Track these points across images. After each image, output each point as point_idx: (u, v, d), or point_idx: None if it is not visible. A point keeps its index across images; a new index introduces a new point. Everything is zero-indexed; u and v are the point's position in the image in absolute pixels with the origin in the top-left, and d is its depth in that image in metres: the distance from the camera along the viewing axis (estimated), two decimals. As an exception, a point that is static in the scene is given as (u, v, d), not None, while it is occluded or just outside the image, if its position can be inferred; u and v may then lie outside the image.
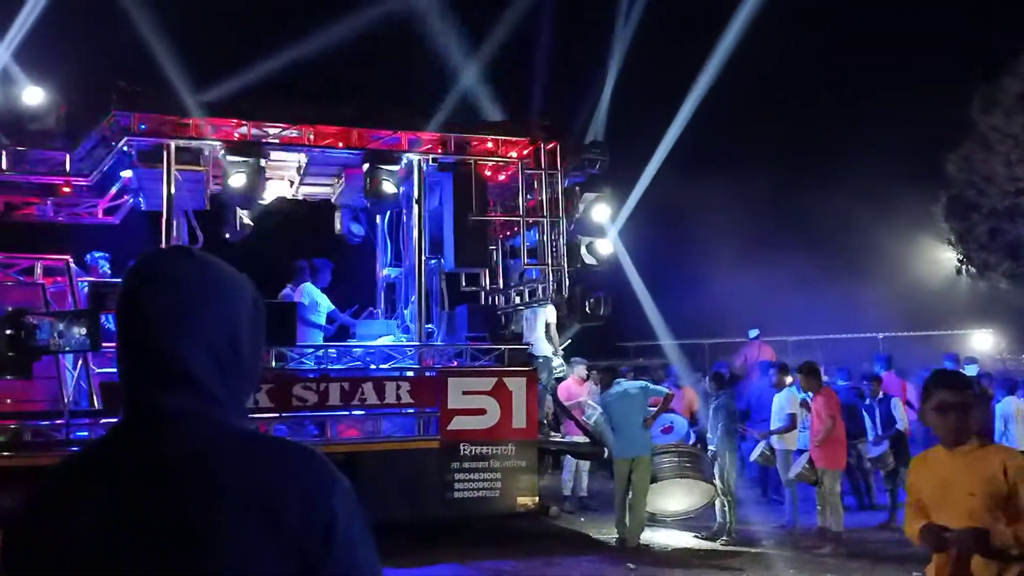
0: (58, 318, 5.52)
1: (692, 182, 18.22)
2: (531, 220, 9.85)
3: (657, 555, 8.32)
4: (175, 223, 8.83)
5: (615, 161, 10.29)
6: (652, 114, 15.79)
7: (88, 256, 9.33)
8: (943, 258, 21.47)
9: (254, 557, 1.22)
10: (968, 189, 19.73)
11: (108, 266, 9.34)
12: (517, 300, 10.56)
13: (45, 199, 9.58)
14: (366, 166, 9.11)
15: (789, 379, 9.58)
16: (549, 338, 9.77)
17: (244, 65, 9.47)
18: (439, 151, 9.59)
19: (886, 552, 8.06)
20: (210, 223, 9.36)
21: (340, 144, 9.40)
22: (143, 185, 9.66)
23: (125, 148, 8.76)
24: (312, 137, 9.30)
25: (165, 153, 8.60)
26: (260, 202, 9.56)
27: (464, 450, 8.63)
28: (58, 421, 7.55)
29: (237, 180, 8.65)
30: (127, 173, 9.44)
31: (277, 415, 8.29)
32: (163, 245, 8.15)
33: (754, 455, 9.72)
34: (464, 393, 8.70)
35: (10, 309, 5.60)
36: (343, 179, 10.26)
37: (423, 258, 9.38)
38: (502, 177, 10.43)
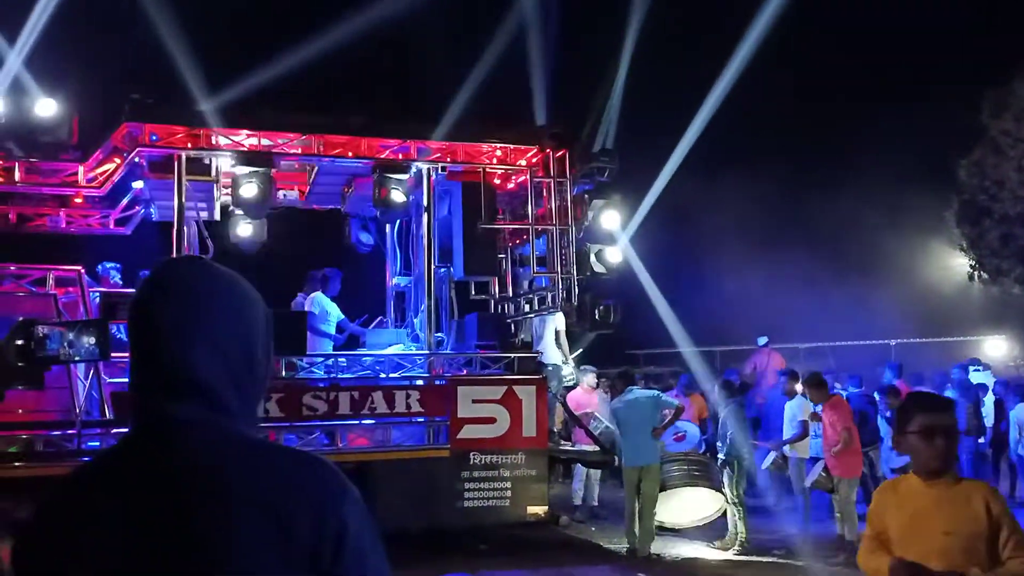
0: (68, 328, 5.53)
1: (701, 188, 18.19)
2: (540, 228, 9.85)
3: (668, 565, 8.27)
4: (186, 233, 8.88)
5: (624, 167, 10.29)
6: (662, 119, 15.82)
7: (100, 266, 9.40)
8: (955, 264, 21.34)
9: (265, 566, 1.22)
10: (980, 194, 19.62)
11: (119, 276, 9.40)
12: (527, 308, 10.55)
13: (57, 210, 9.67)
14: (375, 175, 9.14)
15: (800, 387, 9.53)
16: (558, 346, 9.75)
17: (253, 72, 9.53)
18: (448, 160, 9.61)
19: (900, 561, 7.97)
20: (220, 233, 9.41)
21: (349, 153, 9.44)
22: (154, 196, 9.74)
23: (136, 159, 8.82)
24: (321, 147, 9.34)
25: (176, 164, 8.66)
26: (270, 212, 9.60)
27: (474, 459, 8.62)
28: (70, 431, 7.59)
29: (247, 190, 8.70)
30: (138, 184, 9.52)
31: (287, 424, 8.30)
32: (174, 255, 8.20)
33: (766, 463, 9.66)
34: (474, 402, 8.69)
35: (20, 319, 5.63)
36: (352, 188, 10.30)
37: (432, 266, 9.40)
38: (511, 185, 10.44)
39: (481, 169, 9.62)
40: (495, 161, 9.90)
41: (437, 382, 8.97)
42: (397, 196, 9.10)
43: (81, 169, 8.97)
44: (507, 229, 10.74)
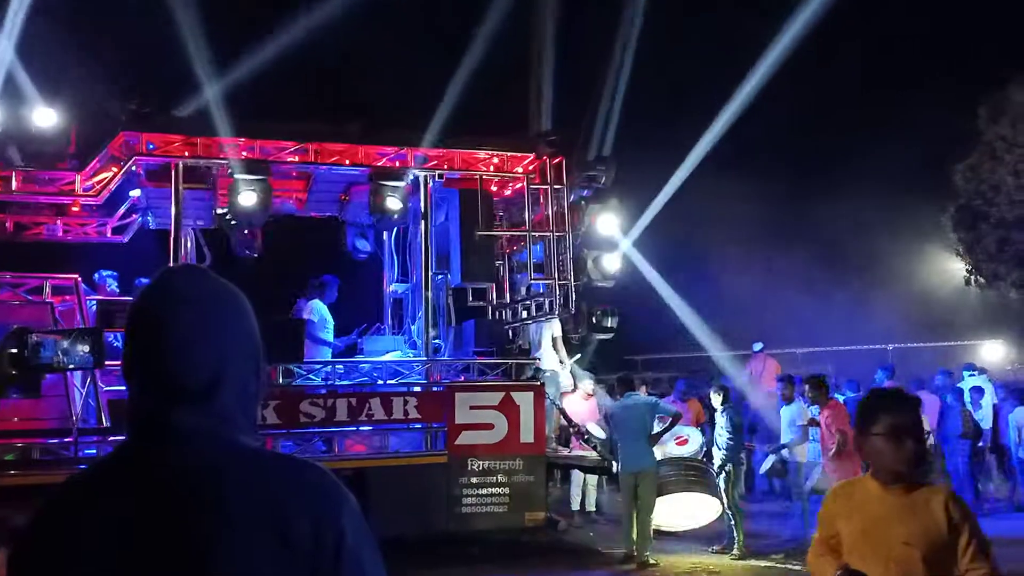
0: (62, 336, 5.52)
1: (698, 195, 18.20)
2: (537, 235, 9.86)
3: (665, 569, 8.27)
4: (183, 241, 8.88)
5: (623, 173, 10.31)
6: (659, 127, 15.85)
7: (96, 275, 9.38)
8: (952, 268, 21.37)
9: (263, 574, 1.23)
10: (976, 199, 19.66)
11: (116, 284, 9.39)
12: (524, 314, 10.56)
13: (54, 218, 9.67)
14: (372, 183, 9.15)
15: (800, 388, 9.52)
16: (556, 352, 9.74)
17: (250, 80, 9.56)
18: (445, 167, 9.63)
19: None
20: (218, 241, 9.41)
21: (346, 161, 9.46)
22: (151, 204, 9.74)
23: (133, 168, 8.83)
24: (318, 155, 9.36)
25: (173, 172, 8.67)
26: (267, 219, 9.60)
27: (472, 465, 8.61)
28: (67, 439, 7.58)
29: (245, 198, 8.70)
30: (135, 192, 9.52)
31: (284, 431, 8.29)
32: (171, 263, 8.20)
33: (764, 467, 9.66)
34: (471, 408, 8.69)
35: (15, 327, 5.62)
36: (349, 196, 10.31)
37: (430, 273, 9.40)
38: (508, 192, 10.46)
39: (478, 176, 9.65)
40: (492, 168, 9.92)
41: (435, 388, 8.97)
42: (394, 203, 9.11)
43: (78, 178, 8.97)
44: (504, 236, 10.76)
